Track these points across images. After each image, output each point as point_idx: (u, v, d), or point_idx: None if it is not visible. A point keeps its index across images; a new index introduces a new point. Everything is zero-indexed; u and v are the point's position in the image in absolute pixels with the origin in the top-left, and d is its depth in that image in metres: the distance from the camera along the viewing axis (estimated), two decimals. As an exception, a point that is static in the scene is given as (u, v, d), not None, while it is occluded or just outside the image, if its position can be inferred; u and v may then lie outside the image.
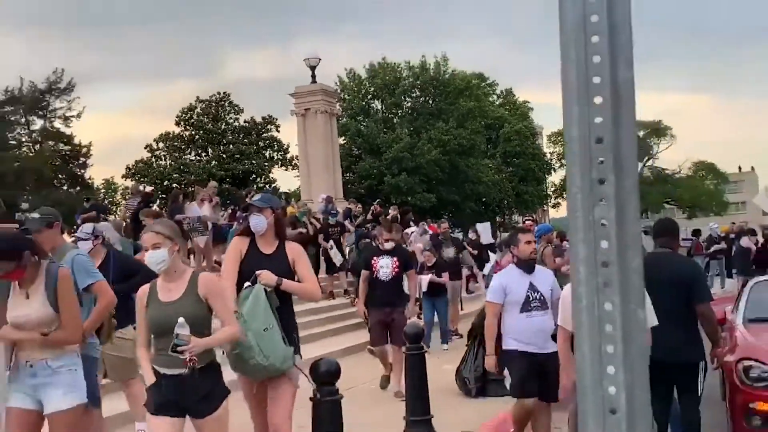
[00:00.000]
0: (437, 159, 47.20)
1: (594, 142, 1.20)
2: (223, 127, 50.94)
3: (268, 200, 5.79)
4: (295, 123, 26.74)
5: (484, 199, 50.68)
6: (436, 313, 13.40)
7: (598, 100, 1.20)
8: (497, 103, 57.48)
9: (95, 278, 5.80)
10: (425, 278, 12.89)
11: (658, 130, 61.16)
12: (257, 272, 5.24)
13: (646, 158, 59.31)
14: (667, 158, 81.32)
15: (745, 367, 6.15)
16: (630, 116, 1.20)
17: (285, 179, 48.75)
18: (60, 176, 48.07)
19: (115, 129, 78.51)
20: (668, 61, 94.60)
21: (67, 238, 7.13)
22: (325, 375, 5.24)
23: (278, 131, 51.96)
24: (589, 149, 1.20)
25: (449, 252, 15.15)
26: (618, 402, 1.22)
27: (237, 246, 5.60)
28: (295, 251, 5.56)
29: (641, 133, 57.59)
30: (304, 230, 17.09)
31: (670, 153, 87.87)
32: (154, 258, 4.57)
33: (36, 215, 5.99)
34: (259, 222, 5.47)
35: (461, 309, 15.76)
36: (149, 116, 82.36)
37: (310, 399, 5.35)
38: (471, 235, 20.13)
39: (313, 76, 24.77)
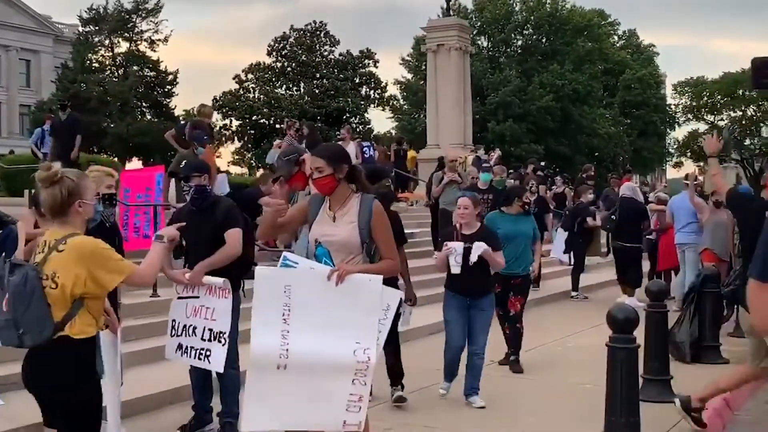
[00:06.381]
0: (548, 106, 45.34)
1: None
2: (317, 59, 47.57)
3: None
4: (391, 59, 26.01)
5: (596, 154, 48.21)
6: None
7: None
8: (618, 45, 54.86)
9: None
10: None
11: None
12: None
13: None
14: None
15: None
16: None
17: (379, 120, 46.24)
18: (143, 104, 45.35)
19: (189, 54, 76.34)
20: None
21: None
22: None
23: (376, 67, 48.41)
24: None
25: None
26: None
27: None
28: None
29: None
30: None
31: None
32: None
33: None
34: None
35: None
36: (226, 42, 79.41)
37: None
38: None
39: (448, 9, 24.18)
